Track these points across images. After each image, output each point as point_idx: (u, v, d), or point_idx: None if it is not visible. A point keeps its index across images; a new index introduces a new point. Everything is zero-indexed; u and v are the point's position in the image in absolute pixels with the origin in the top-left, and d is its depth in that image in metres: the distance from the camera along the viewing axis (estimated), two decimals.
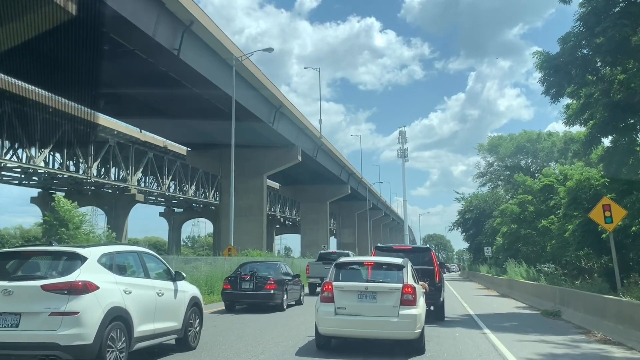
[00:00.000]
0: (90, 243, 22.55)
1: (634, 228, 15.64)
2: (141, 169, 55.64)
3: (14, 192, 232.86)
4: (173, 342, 9.34)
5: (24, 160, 43.30)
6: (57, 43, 19.51)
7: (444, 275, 21.66)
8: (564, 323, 14.27)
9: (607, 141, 16.91)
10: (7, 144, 41.44)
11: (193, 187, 66.96)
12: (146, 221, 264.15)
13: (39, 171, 46.23)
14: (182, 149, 52.85)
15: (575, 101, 17.22)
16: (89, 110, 28.16)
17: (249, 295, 16.79)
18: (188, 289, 9.79)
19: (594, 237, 16.94)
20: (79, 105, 27.27)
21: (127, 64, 26.70)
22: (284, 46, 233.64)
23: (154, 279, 8.79)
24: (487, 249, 42.79)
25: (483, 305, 20.78)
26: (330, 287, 9.20)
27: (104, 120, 42.96)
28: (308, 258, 43.54)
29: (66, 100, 28.34)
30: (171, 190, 63.27)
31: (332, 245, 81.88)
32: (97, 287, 7.12)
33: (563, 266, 25.27)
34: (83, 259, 7.34)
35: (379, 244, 15.76)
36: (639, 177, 15.45)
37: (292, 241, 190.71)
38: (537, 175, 36.74)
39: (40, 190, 54.97)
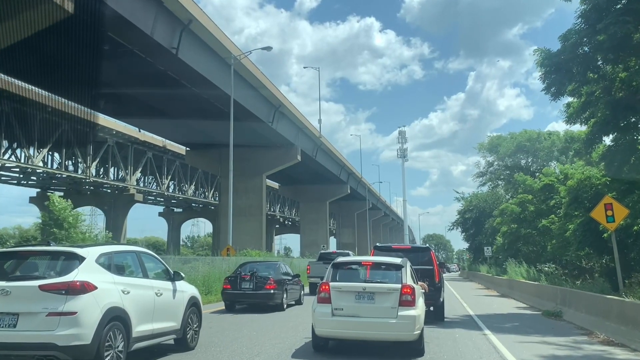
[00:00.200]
0: (86, 243, 22.44)
1: (635, 227, 15.53)
2: (140, 169, 55.54)
3: (13, 192, 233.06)
4: (172, 342, 9.28)
5: (22, 160, 43.20)
6: (54, 42, 19.45)
7: (444, 275, 21.58)
8: (565, 324, 14.15)
9: (608, 140, 16.84)
10: (5, 143, 41.31)
11: (192, 186, 66.87)
12: (145, 221, 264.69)
13: (38, 171, 46.12)
14: (181, 149, 52.76)
15: (576, 99, 17.10)
16: (88, 109, 28.12)
17: (249, 295, 16.77)
18: (187, 289, 9.75)
19: (595, 236, 16.81)
20: (78, 105, 27.23)
21: (126, 63, 26.61)
22: (284, 46, 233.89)
23: (153, 279, 8.76)
24: (487, 248, 42.69)
25: (483, 305, 20.68)
26: (327, 287, 8.98)
27: (103, 119, 42.87)
28: (307, 258, 43.47)
29: (64, 100, 28.32)
30: (170, 190, 63.17)
31: (332, 245, 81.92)
32: (95, 287, 7.09)
33: (563, 266, 25.20)
34: (81, 259, 7.31)
35: (377, 244, 15.66)
36: None
37: (291, 241, 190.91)
38: (537, 174, 36.64)
39: (39, 190, 54.87)
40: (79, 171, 49.82)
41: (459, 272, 78.90)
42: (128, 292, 7.67)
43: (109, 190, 56.15)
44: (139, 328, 7.84)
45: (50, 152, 45.90)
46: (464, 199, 53.98)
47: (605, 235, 15.57)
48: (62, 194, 50.11)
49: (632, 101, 14.68)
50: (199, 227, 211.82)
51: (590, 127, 16.45)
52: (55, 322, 6.68)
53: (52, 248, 7.92)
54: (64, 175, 49.16)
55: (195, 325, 9.71)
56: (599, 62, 15.22)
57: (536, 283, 22.27)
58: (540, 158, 45.21)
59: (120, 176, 54.80)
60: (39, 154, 43.43)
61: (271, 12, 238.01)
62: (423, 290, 10.19)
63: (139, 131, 50.16)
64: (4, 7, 16.19)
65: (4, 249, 8.91)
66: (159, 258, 9.71)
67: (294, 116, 44.78)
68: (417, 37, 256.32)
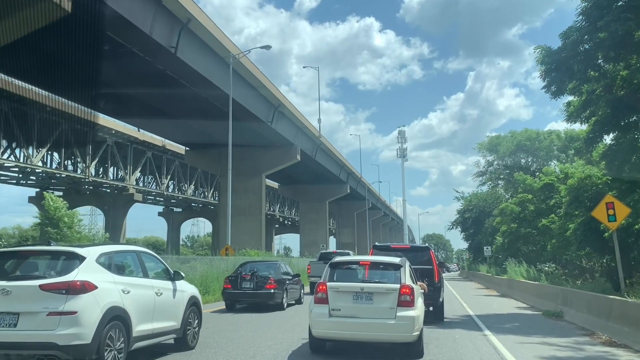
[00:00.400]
0: (82, 243, 22.37)
1: (636, 226, 15.48)
2: (139, 169, 55.52)
3: (13, 191, 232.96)
4: (172, 341, 9.26)
5: (21, 160, 43.13)
6: (52, 41, 19.39)
7: (443, 275, 21.52)
8: (566, 324, 14.02)
9: (608, 139, 16.78)
10: (4, 143, 41.27)
11: (192, 186, 66.83)
12: (145, 221, 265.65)
13: (37, 171, 46.08)
14: (180, 149, 52.69)
15: (576, 98, 17.03)
16: (87, 109, 28.04)
17: (250, 295, 16.77)
18: (187, 289, 9.75)
19: (595, 236, 16.77)
20: (77, 104, 27.15)
21: (125, 62, 26.54)
22: (284, 46, 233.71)
23: (153, 278, 8.77)
24: (487, 248, 42.62)
25: (483, 305, 20.58)
26: (324, 287, 8.76)
27: (102, 119, 42.82)
28: (307, 258, 43.44)
29: (64, 99, 28.24)
30: (170, 190, 63.13)
31: (332, 245, 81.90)
32: (96, 287, 7.10)
33: (564, 266, 25.15)
34: (81, 258, 7.32)
35: (376, 243, 15.56)
36: None
37: (291, 241, 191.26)
38: (537, 174, 36.58)
39: (38, 190, 54.82)
40: (78, 171, 49.78)
41: (459, 271, 78.94)
42: (128, 292, 7.68)
43: (108, 190, 56.09)
44: (139, 327, 7.85)
45: (49, 152, 45.84)
46: (463, 198, 53.88)
47: (606, 234, 15.54)
48: (61, 193, 50.11)
49: (633, 100, 14.57)
50: (199, 227, 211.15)
51: (591, 126, 16.38)
52: (56, 321, 6.69)
53: (53, 248, 7.94)
54: (63, 175, 49.13)
55: (195, 325, 9.71)
56: (600, 60, 15.12)
57: (536, 283, 22.22)
58: (540, 157, 45.14)
59: (119, 176, 54.76)
60: (38, 153, 43.39)
61: (271, 12, 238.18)
62: (422, 290, 10.02)
63: (138, 131, 50.12)
64: (1, 5, 16.11)
65: (5, 249, 8.91)
66: (159, 258, 9.70)
67: (294, 116, 44.73)
68: (416, 37, 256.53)
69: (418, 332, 8.63)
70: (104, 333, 7.00)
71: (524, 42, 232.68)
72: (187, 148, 49.56)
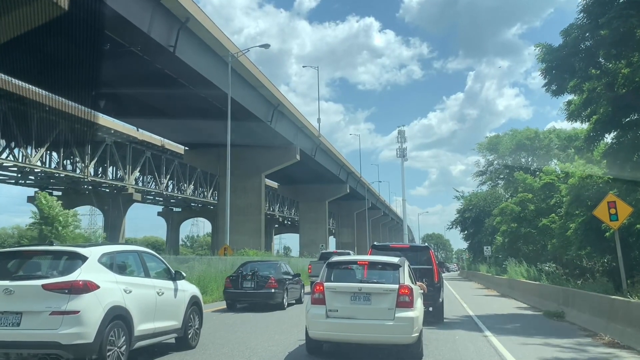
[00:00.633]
0: (79, 243, 22.32)
1: (637, 226, 15.43)
2: (139, 168, 55.45)
3: (13, 191, 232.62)
4: (173, 341, 9.29)
5: (20, 160, 43.03)
6: (50, 40, 19.27)
7: (443, 274, 21.47)
8: (568, 325, 13.91)
9: (610, 137, 16.69)
10: (2, 142, 41.17)
11: (191, 186, 66.76)
12: (144, 221, 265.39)
13: (36, 170, 45.97)
14: (180, 148, 52.63)
15: (577, 97, 16.94)
16: (86, 108, 27.92)
17: (250, 295, 16.81)
18: (188, 288, 9.80)
19: (596, 235, 16.71)
20: (75, 104, 27.05)
21: (123, 62, 26.43)
22: (283, 46, 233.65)
23: (154, 278, 8.82)
24: (487, 248, 42.60)
25: (483, 305, 20.50)
26: (321, 288, 8.58)
27: (101, 119, 42.70)
28: (306, 258, 43.40)
29: (62, 99, 28.14)
30: (169, 190, 63.06)
31: (331, 244, 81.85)
32: (98, 287, 7.14)
33: (564, 265, 25.09)
34: (84, 258, 7.37)
35: (375, 243, 15.49)
36: None
37: (291, 241, 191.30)
38: (537, 173, 36.53)
39: (37, 189, 54.71)
40: (77, 171, 49.69)
41: (459, 271, 78.98)
42: (130, 292, 7.72)
43: (107, 190, 55.98)
44: (141, 327, 7.89)
45: (48, 152, 45.74)
46: (463, 197, 53.86)
47: (607, 234, 15.49)
48: (60, 193, 50.04)
49: (635, 98, 14.41)
50: (199, 227, 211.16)
51: (592, 125, 16.24)
52: (59, 320, 6.73)
53: (55, 248, 8.01)
54: (62, 175, 49.02)
55: (196, 324, 9.75)
56: (601, 58, 14.96)
57: (537, 283, 22.17)
58: (540, 157, 45.06)
59: (118, 176, 54.69)
60: (37, 153, 43.31)
61: (270, 12, 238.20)
62: (422, 291, 9.89)
63: (137, 130, 50.01)
64: None
65: (7, 249, 8.95)
66: (161, 257, 9.74)
67: (293, 116, 44.68)
68: (416, 37, 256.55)
69: (417, 334, 8.46)
70: (106, 332, 7.04)
71: (524, 42, 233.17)
72: (186, 148, 49.49)
